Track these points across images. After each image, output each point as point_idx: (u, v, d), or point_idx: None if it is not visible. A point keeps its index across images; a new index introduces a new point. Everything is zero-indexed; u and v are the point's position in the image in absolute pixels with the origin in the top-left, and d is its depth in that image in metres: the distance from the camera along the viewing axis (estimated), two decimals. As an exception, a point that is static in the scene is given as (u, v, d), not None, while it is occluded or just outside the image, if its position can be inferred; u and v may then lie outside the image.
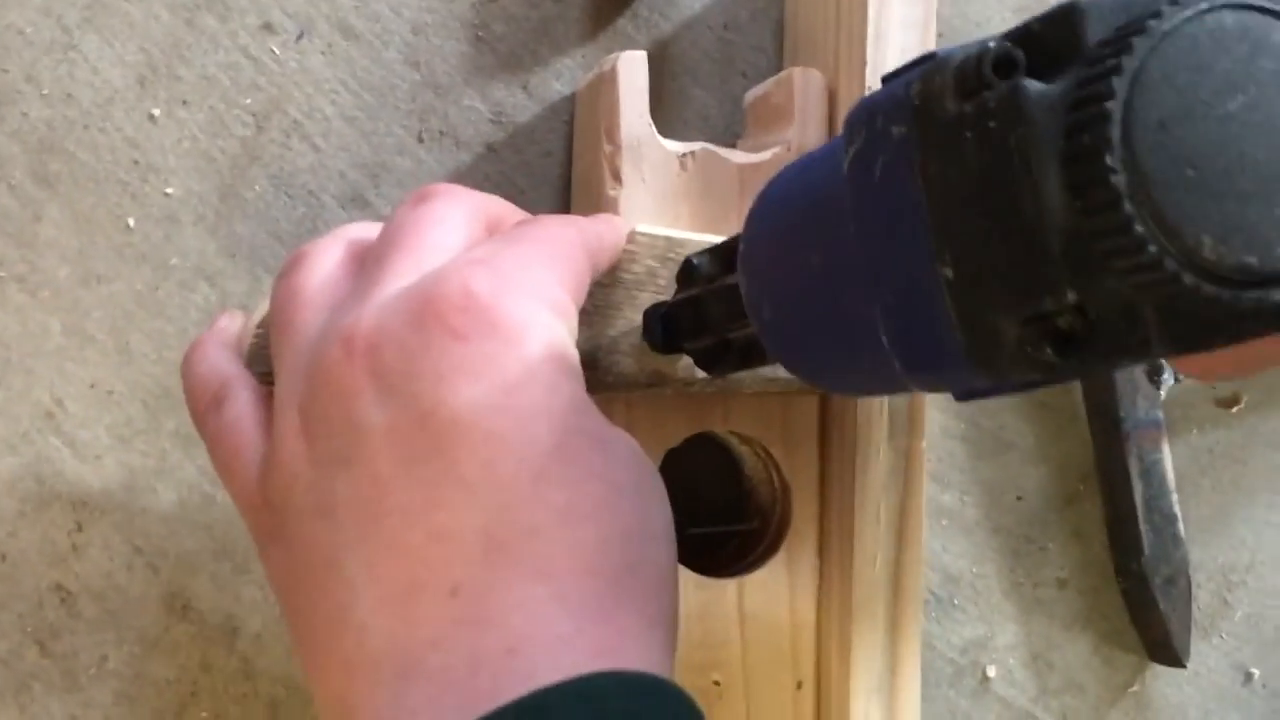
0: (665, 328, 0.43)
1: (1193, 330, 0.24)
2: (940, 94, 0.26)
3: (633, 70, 0.49)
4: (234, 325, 0.42)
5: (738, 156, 0.50)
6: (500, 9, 0.53)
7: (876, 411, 0.49)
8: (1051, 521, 0.60)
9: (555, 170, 0.54)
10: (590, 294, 0.42)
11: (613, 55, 0.49)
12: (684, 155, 0.49)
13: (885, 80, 0.30)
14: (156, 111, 0.50)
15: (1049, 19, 0.26)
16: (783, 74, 0.52)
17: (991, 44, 0.25)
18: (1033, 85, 0.25)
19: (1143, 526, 0.58)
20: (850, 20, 0.50)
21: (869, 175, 0.29)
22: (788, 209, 0.34)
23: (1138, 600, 0.59)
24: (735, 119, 0.56)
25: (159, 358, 0.50)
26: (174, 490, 0.51)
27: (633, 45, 0.55)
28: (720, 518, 0.55)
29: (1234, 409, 0.62)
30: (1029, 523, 0.60)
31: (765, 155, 0.50)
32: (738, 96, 0.56)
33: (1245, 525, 0.63)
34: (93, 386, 0.50)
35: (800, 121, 0.51)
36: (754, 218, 0.36)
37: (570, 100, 0.54)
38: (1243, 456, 0.62)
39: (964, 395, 0.30)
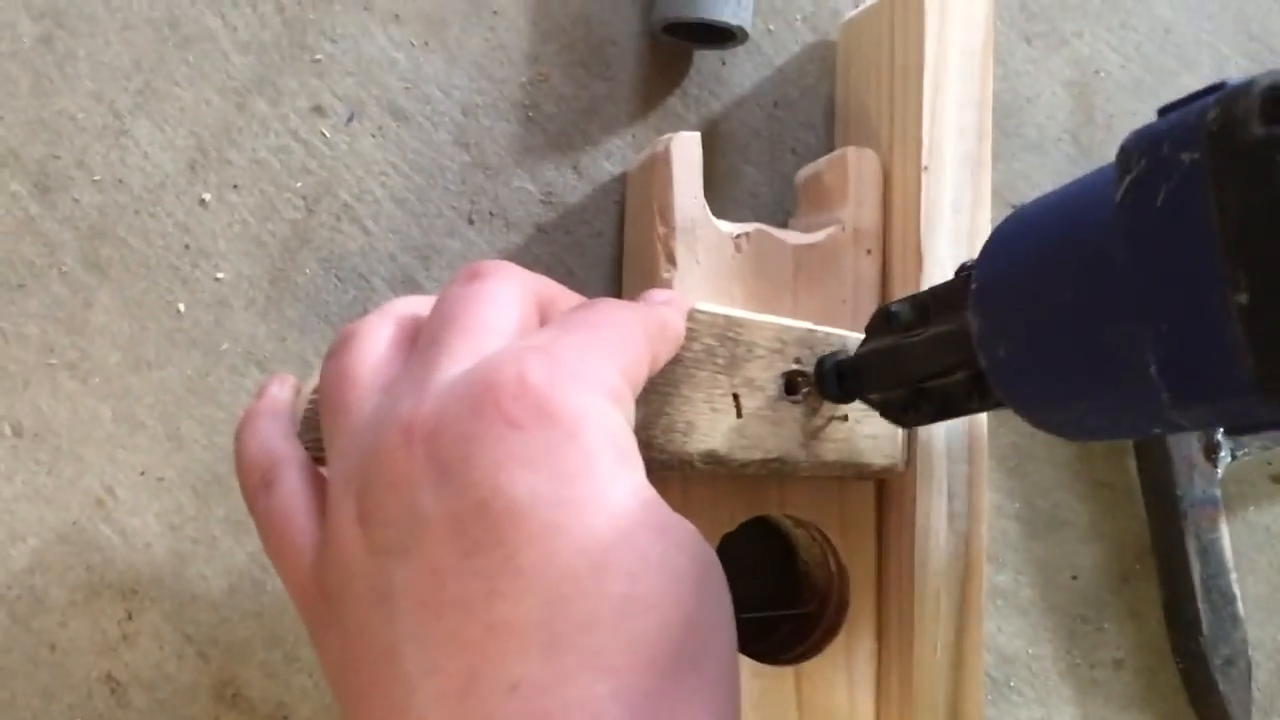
0: (843, 376, 0.44)
1: None
2: (1244, 119, 0.27)
3: (686, 151, 0.50)
4: (285, 392, 0.42)
5: (792, 237, 0.51)
6: (550, 89, 0.55)
7: (936, 495, 0.50)
8: (1107, 601, 0.61)
9: (606, 251, 0.55)
10: None
11: (666, 136, 0.50)
12: (738, 236, 0.50)
13: (1163, 111, 0.31)
14: (207, 196, 0.52)
15: None
16: (836, 153, 0.53)
17: None
18: None
19: (1201, 606, 0.58)
20: (905, 100, 0.51)
21: (1149, 202, 0.30)
22: (1037, 242, 0.35)
23: (1197, 681, 0.59)
24: (785, 196, 0.57)
25: (209, 443, 0.52)
26: (224, 577, 0.52)
27: (683, 124, 0.56)
28: (775, 602, 0.56)
29: (1291, 484, 0.63)
30: (1085, 602, 0.61)
31: (819, 236, 0.52)
32: (788, 174, 0.57)
33: (1304, 603, 0.63)
34: (143, 473, 0.51)
35: (855, 201, 0.52)
36: (993, 254, 0.37)
37: (621, 180, 0.55)
38: (1301, 533, 0.63)
39: (1238, 428, 0.30)
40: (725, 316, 0.46)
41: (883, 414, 0.44)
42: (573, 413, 0.33)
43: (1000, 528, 0.59)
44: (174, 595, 0.51)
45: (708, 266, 0.50)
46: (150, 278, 0.51)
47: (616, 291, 0.55)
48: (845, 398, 0.45)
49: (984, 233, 0.51)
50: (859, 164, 0.52)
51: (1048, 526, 0.60)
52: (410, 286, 0.53)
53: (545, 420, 0.32)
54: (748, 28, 0.54)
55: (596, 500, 0.32)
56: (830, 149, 0.57)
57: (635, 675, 0.31)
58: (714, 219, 0.50)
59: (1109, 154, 0.59)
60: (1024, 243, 0.36)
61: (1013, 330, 0.35)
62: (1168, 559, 0.59)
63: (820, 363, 0.45)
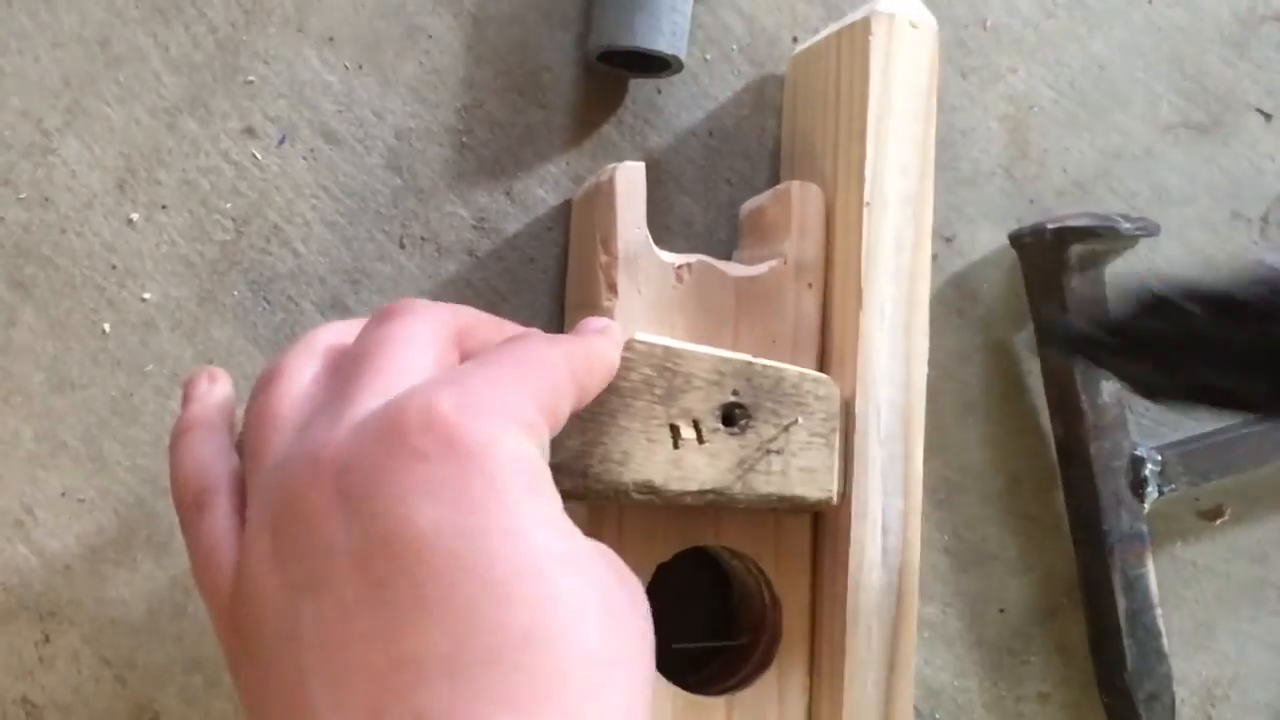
0: (1113, 338, 0.46)
1: None
2: None
3: (631, 180, 0.53)
4: (217, 393, 0.44)
5: (734, 269, 0.54)
6: (484, 114, 0.58)
7: (870, 529, 0.53)
8: (1034, 635, 0.64)
9: (538, 277, 0.58)
10: None
11: (610, 165, 0.53)
12: (680, 267, 0.53)
13: None
14: (135, 216, 0.54)
15: None
16: (780, 187, 0.56)
17: None
18: None
19: (1126, 641, 0.62)
20: (849, 136, 0.54)
21: None
22: None
23: (1121, 716, 0.63)
24: (720, 226, 0.60)
25: (132, 465, 0.54)
26: (144, 600, 0.54)
27: (618, 152, 0.59)
28: (710, 632, 0.59)
29: (1217, 521, 0.67)
30: (1012, 635, 0.64)
31: (761, 269, 0.55)
32: (723, 204, 0.60)
33: (1229, 639, 0.67)
34: (64, 494, 0.53)
35: (798, 235, 0.55)
36: None
37: (555, 207, 0.58)
38: (1225, 570, 0.67)
39: None
40: (664, 347, 0.49)
41: (1135, 387, 0.46)
42: (480, 443, 0.34)
43: (929, 560, 0.62)
44: (93, 618, 0.53)
45: (649, 296, 0.53)
46: (75, 297, 0.54)
47: (553, 318, 0.58)
48: (1096, 358, 0.46)
49: (925, 271, 0.54)
50: (803, 198, 0.55)
51: (976, 559, 0.64)
52: (340, 310, 0.56)
53: (451, 451, 0.34)
54: (683, 57, 0.57)
55: (504, 531, 0.34)
56: (765, 180, 0.61)
57: (537, 709, 0.32)
58: (656, 249, 0.53)
59: (1043, 189, 0.63)
60: None
61: None
62: (1093, 593, 0.63)
63: (1061, 322, 0.47)
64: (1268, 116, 0.68)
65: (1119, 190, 0.65)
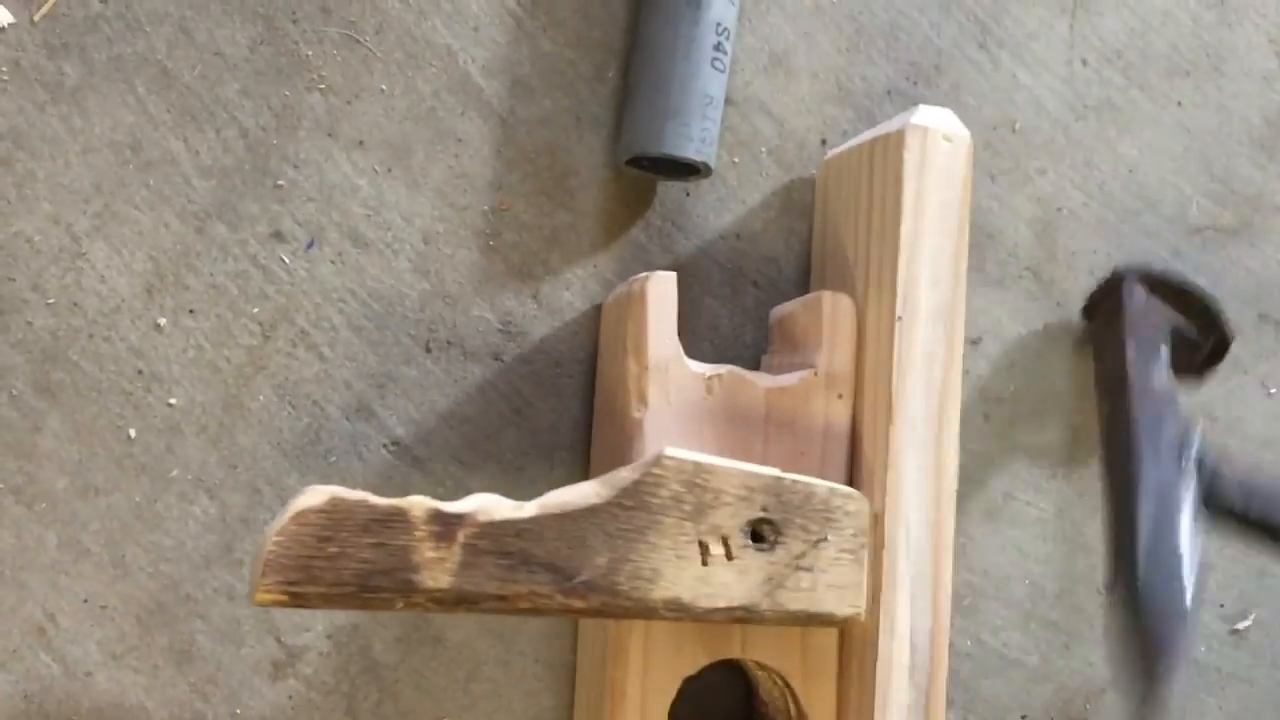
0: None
1: None
2: None
3: (662, 291, 0.54)
4: None
5: (764, 380, 0.56)
6: (512, 218, 0.59)
7: (898, 647, 0.54)
8: (1056, 742, 0.66)
9: (565, 381, 0.60)
10: (613, 517, 0.48)
11: (641, 274, 0.55)
12: (710, 378, 0.55)
13: None
14: (163, 321, 0.56)
15: None
16: (812, 296, 0.58)
17: None
18: None
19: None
20: (881, 247, 0.56)
21: None
22: None
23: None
24: (746, 329, 0.62)
25: (155, 571, 0.55)
26: (165, 708, 0.55)
27: (645, 254, 0.61)
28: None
29: (1241, 626, 0.68)
30: (1033, 742, 0.65)
31: (792, 379, 0.56)
32: (749, 307, 0.62)
33: (1252, 746, 0.69)
34: (86, 601, 0.55)
35: (829, 345, 0.56)
36: None
37: (582, 311, 0.60)
38: (1250, 676, 0.68)
39: None
40: (693, 462, 0.50)
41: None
42: None
43: (950, 665, 0.64)
44: (113, 726, 0.55)
45: (679, 407, 0.54)
46: (101, 402, 0.55)
47: (579, 424, 0.60)
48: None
49: (955, 385, 0.55)
50: (834, 309, 0.57)
51: (998, 666, 0.65)
52: (365, 414, 0.57)
53: None
54: (711, 163, 0.59)
55: None
56: (792, 283, 0.62)
57: None
58: (687, 359, 0.54)
59: (1070, 290, 0.64)
60: None
61: None
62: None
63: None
64: (1296, 217, 0.70)
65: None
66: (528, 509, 0.48)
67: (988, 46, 0.65)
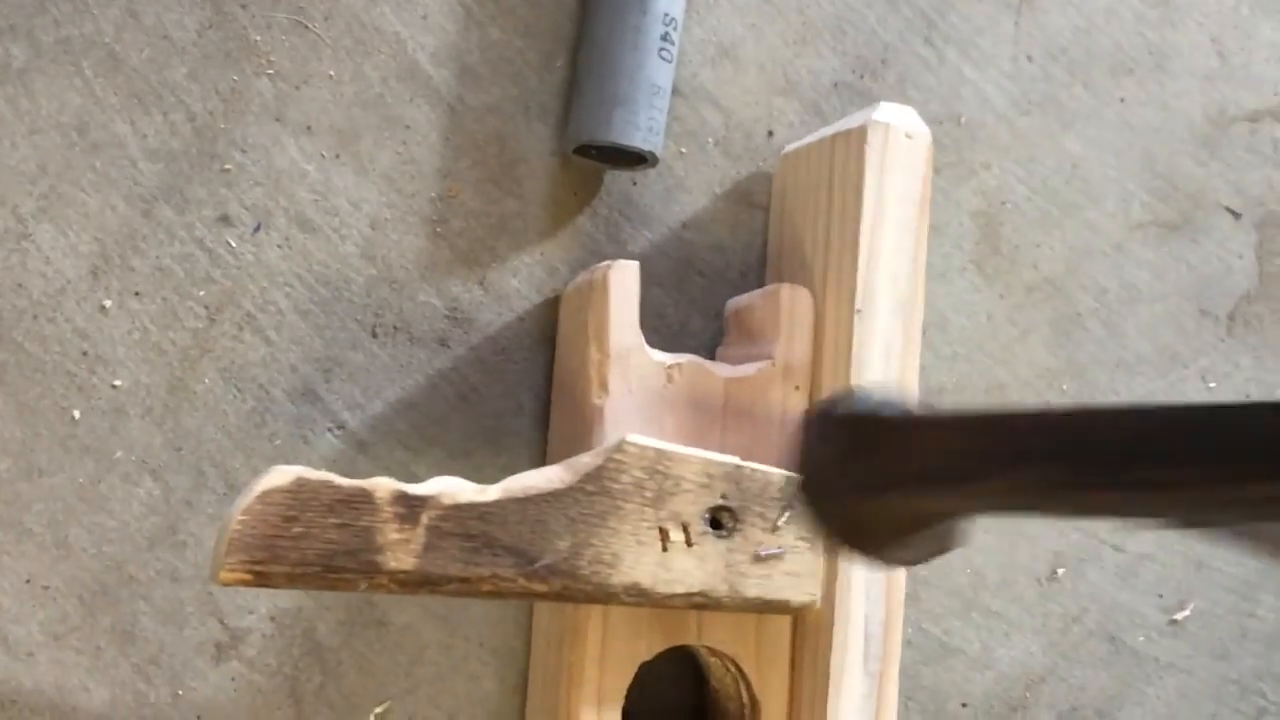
0: None
1: None
2: None
3: (624, 279, 0.56)
4: None
5: (724, 370, 0.57)
6: (459, 205, 0.61)
7: (853, 636, 0.56)
8: (995, 729, 0.68)
9: (511, 367, 0.61)
10: (575, 502, 0.49)
11: (604, 263, 0.56)
12: (671, 367, 0.56)
13: None
14: (108, 303, 0.57)
15: None
16: (770, 288, 0.59)
17: None
18: None
19: None
20: (841, 242, 0.57)
21: None
22: None
23: None
24: (692, 317, 0.63)
25: (98, 552, 0.56)
26: (107, 688, 0.56)
27: (592, 243, 0.62)
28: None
29: (1179, 616, 0.70)
30: (973, 730, 0.67)
31: (750, 370, 0.57)
32: (695, 295, 0.63)
33: (1189, 735, 0.71)
34: (28, 581, 0.56)
35: (787, 338, 0.58)
36: None
37: (528, 298, 0.61)
38: (1188, 666, 0.70)
39: None
40: (655, 449, 0.51)
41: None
42: None
43: (892, 654, 0.65)
44: (55, 706, 0.56)
45: (640, 395, 0.56)
46: (45, 383, 0.56)
47: (524, 409, 0.61)
48: None
49: (913, 379, 0.57)
50: (792, 301, 0.58)
51: (939, 653, 0.67)
52: (310, 398, 0.59)
53: None
54: (658, 152, 0.60)
55: None
56: (738, 272, 0.64)
57: None
58: (649, 349, 0.56)
59: (1012, 284, 0.66)
60: None
61: None
62: None
63: None
64: (1237, 215, 0.72)
65: (1089, 286, 0.69)
66: (491, 492, 0.49)
67: (934, 41, 0.67)
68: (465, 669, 0.60)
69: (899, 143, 0.57)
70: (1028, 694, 0.68)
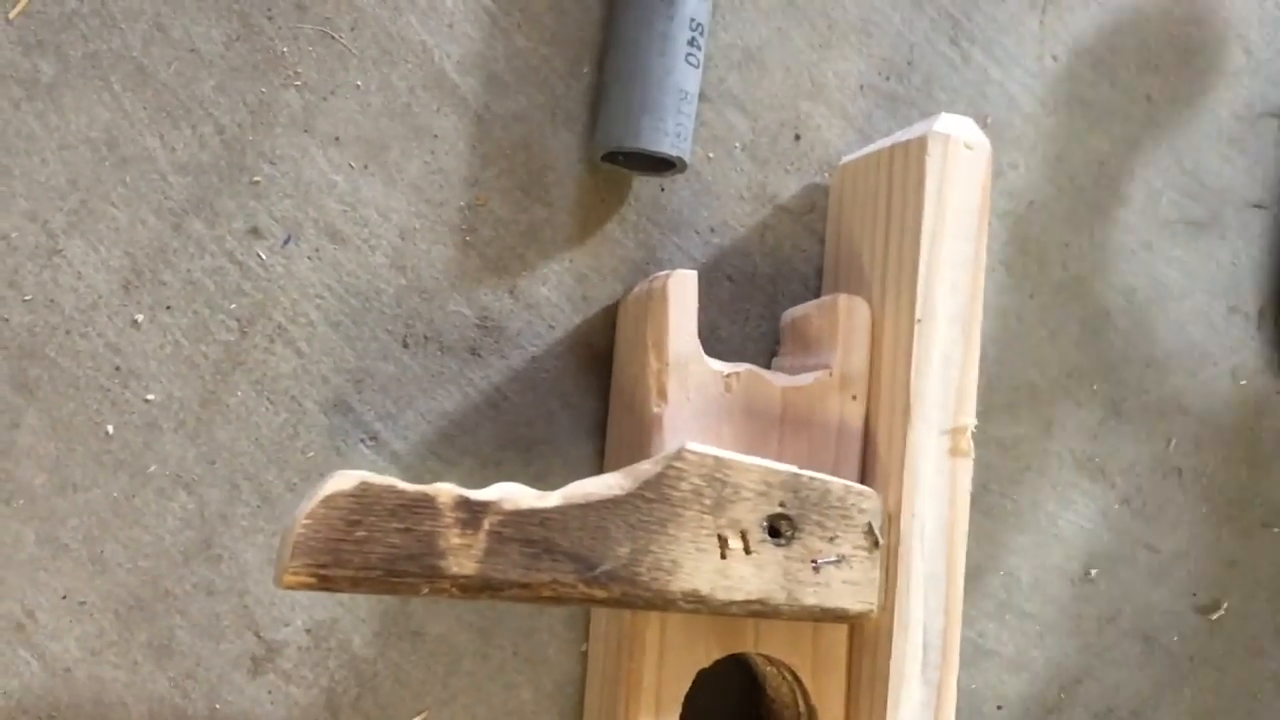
0: None
1: None
2: None
3: (683, 288, 0.56)
4: None
5: (780, 380, 0.58)
6: (488, 213, 0.61)
7: (912, 645, 0.56)
8: (1031, 732, 0.68)
9: (541, 376, 0.62)
10: (635, 509, 0.50)
11: (663, 273, 0.57)
12: (729, 375, 0.57)
13: None
14: (140, 317, 0.57)
15: None
16: (827, 298, 0.60)
17: None
18: None
19: None
20: (900, 252, 0.57)
21: None
22: None
23: None
24: (720, 322, 0.64)
25: (134, 567, 0.57)
26: (144, 703, 0.57)
27: (621, 249, 0.63)
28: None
29: (1214, 615, 0.71)
30: (1008, 733, 0.68)
31: (808, 379, 0.58)
32: (724, 300, 0.64)
33: (1225, 734, 0.71)
34: (65, 597, 0.56)
35: (844, 347, 0.58)
36: None
37: (557, 305, 0.62)
38: (1222, 664, 0.71)
39: None
40: (714, 457, 0.52)
41: None
42: None
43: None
44: (93, 722, 0.56)
45: (698, 404, 0.57)
46: (79, 399, 0.57)
47: (555, 417, 0.62)
48: None
49: (972, 389, 0.57)
50: (850, 311, 0.59)
51: (974, 655, 0.67)
52: (343, 410, 0.59)
53: None
54: (686, 158, 0.61)
55: None
56: (767, 277, 0.64)
57: None
58: (707, 358, 0.57)
59: (1041, 284, 0.67)
60: None
61: None
62: None
63: None
64: (1265, 210, 0.72)
65: (1117, 285, 0.69)
66: (552, 498, 0.49)
67: (959, 42, 0.67)
68: (501, 678, 0.61)
69: (959, 153, 0.57)
70: (1063, 695, 0.69)
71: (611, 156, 0.61)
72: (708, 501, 0.52)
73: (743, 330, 0.64)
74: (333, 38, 0.59)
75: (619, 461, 0.58)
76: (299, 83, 0.59)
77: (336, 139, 0.59)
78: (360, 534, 0.47)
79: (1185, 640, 0.70)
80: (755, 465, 0.53)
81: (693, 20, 0.60)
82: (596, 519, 0.50)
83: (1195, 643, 0.71)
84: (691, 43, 0.60)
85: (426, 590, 0.48)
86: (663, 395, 0.56)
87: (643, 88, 0.60)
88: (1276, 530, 0.72)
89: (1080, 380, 0.69)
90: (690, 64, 0.60)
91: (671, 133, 0.60)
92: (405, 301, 0.60)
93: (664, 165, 0.61)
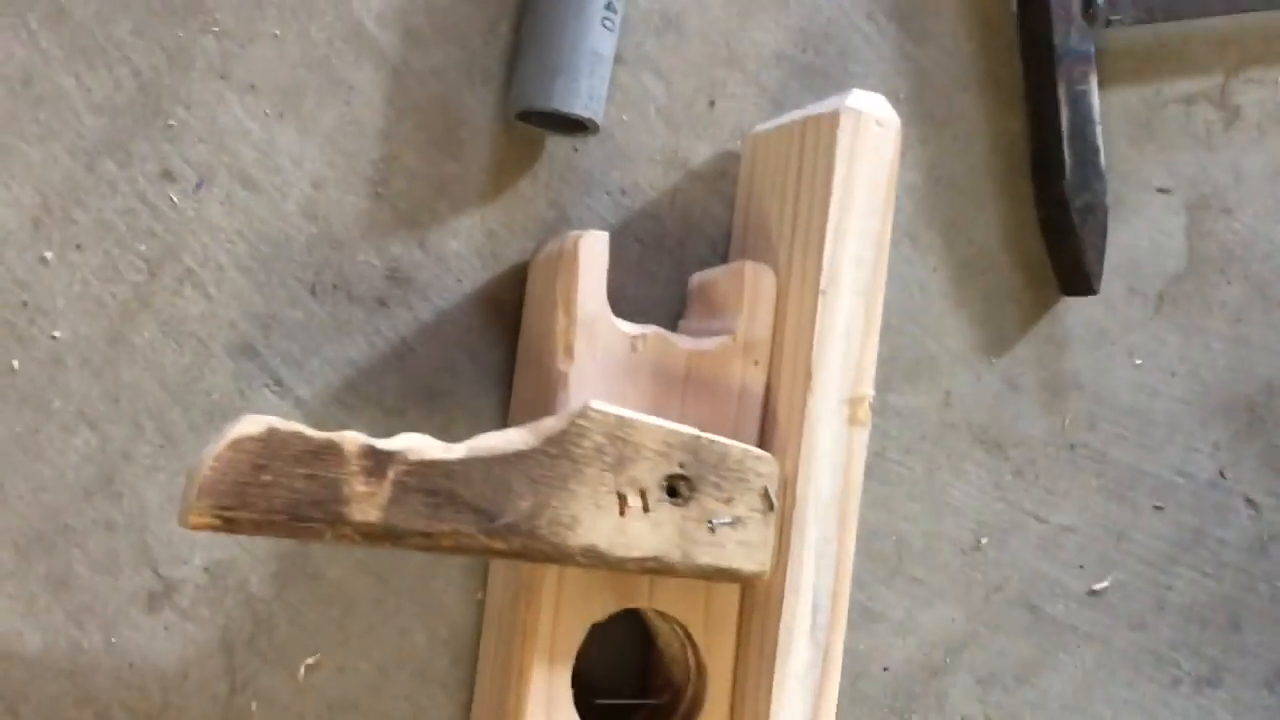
0: None
1: None
2: None
3: (594, 248, 0.58)
4: None
5: (686, 343, 0.60)
6: (401, 166, 0.63)
7: (802, 606, 0.58)
8: (917, 694, 0.71)
9: (448, 329, 0.64)
10: (537, 464, 0.52)
11: (574, 232, 0.59)
12: (636, 336, 0.59)
13: None
14: (49, 254, 0.59)
15: None
16: (734, 265, 0.62)
17: None
18: None
19: (1066, 150, 0.69)
20: (808, 223, 0.59)
21: None
22: None
23: (1057, 227, 0.71)
24: (628, 283, 0.66)
25: (34, 500, 0.59)
26: (40, 634, 0.59)
27: (532, 207, 0.65)
28: (630, 687, 0.64)
29: (1099, 587, 0.74)
30: (894, 694, 0.71)
31: (713, 343, 0.60)
32: (632, 262, 0.66)
33: (1106, 705, 0.74)
34: (-35, 528, 0.58)
35: (749, 314, 0.60)
36: None
37: (466, 260, 0.64)
38: (1105, 636, 0.74)
39: None
40: (617, 416, 0.54)
41: None
42: None
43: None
44: (-11, 651, 0.58)
45: (604, 363, 0.58)
46: (-15, 333, 0.58)
47: (460, 370, 0.64)
48: None
49: (872, 361, 0.59)
50: (756, 279, 0.61)
51: (863, 619, 0.70)
52: (249, 354, 0.61)
53: None
54: (599, 120, 0.63)
55: None
56: (675, 240, 0.66)
57: None
58: (615, 318, 0.59)
59: (946, 258, 0.69)
60: None
61: None
62: (1039, 108, 0.70)
63: None
64: (1168, 194, 0.75)
65: (1019, 261, 0.72)
66: (457, 450, 0.51)
67: (875, 17, 0.70)
68: (396, 622, 0.63)
69: (869, 130, 0.59)
70: (948, 659, 0.71)
71: (525, 116, 0.63)
72: (609, 459, 0.54)
73: (650, 292, 0.66)
74: (252, -15, 0.60)
75: (524, 417, 0.60)
76: (217, 29, 0.60)
77: (253, 86, 0.61)
78: (266, 478, 0.48)
79: (1070, 611, 0.74)
80: (656, 426, 0.55)
81: (607, -15, 0.61)
82: (500, 472, 0.52)
83: (1080, 613, 0.74)
84: (608, 6, 0.62)
85: (330, 536, 0.49)
86: (569, 353, 0.58)
87: (557, 49, 0.61)
88: (1163, 509, 0.75)
89: (980, 354, 0.72)
90: (606, 27, 0.62)
91: (585, 94, 0.62)
92: (315, 250, 0.62)
93: (577, 126, 0.63)
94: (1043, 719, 0.73)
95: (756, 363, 0.60)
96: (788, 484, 0.58)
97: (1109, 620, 0.74)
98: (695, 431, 0.56)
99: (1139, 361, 0.75)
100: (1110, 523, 0.74)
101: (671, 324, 0.65)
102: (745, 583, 0.59)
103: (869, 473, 0.68)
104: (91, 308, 0.59)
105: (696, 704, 0.61)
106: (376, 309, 0.63)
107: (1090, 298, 0.72)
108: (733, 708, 0.61)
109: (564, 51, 0.61)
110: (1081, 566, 0.74)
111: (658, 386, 0.59)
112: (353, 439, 0.49)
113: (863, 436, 0.59)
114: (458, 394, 0.64)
